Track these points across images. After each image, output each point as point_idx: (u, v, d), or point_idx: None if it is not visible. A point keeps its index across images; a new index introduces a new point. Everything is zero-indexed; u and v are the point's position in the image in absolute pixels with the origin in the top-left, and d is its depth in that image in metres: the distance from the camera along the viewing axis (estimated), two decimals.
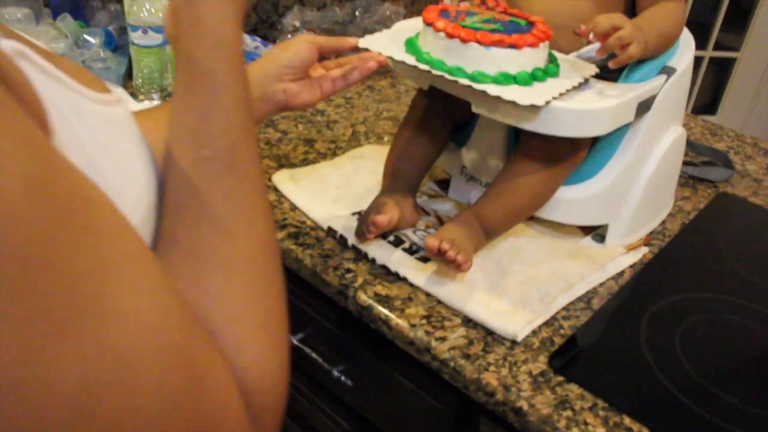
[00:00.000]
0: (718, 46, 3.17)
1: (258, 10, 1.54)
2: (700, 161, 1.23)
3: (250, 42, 1.36)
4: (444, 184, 1.02)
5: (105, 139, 0.41)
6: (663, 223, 1.03)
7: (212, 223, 0.44)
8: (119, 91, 1.15)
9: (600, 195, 0.90)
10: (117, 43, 1.33)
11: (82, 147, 0.38)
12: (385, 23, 1.41)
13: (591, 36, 0.79)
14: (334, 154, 1.10)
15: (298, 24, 1.38)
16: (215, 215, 0.44)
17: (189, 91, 0.47)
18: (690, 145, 1.26)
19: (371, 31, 1.39)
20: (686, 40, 0.96)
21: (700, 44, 3.13)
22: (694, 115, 1.47)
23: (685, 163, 1.18)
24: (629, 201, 0.93)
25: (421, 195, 0.99)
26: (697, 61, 3.16)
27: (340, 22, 1.41)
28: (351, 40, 0.81)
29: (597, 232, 0.95)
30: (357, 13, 1.43)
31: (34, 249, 0.28)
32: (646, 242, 0.97)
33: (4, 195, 0.27)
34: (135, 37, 1.14)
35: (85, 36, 1.27)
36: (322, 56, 0.83)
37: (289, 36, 1.37)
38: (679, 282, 0.92)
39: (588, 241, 0.94)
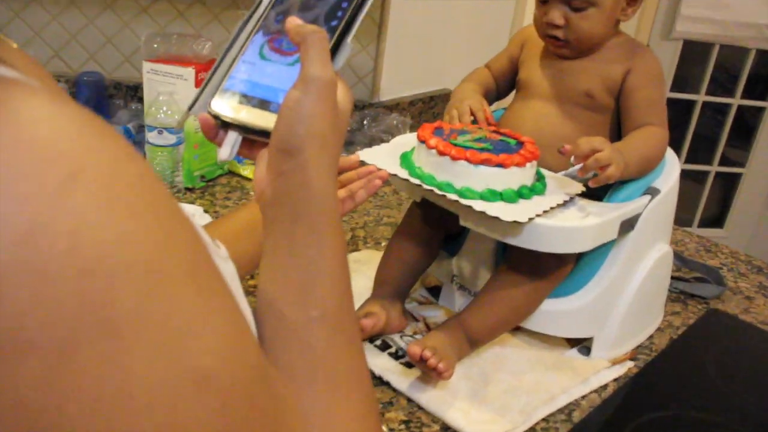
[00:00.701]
0: (724, 160, 3.23)
1: None
2: (692, 277, 1.26)
3: None
4: (435, 291, 1.05)
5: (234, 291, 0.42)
6: (651, 337, 1.05)
7: (326, 381, 0.45)
8: None
9: (585, 308, 0.93)
10: (135, 139, 1.40)
11: None
12: (392, 132, 1.47)
13: (572, 158, 0.84)
14: None
15: None
16: (328, 374, 0.46)
17: (294, 253, 0.48)
18: (682, 260, 1.29)
19: (378, 140, 1.46)
20: (671, 161, 1.01)
21: (706, 158, 3.20)
22: (687, 230, 1.51)
23: (676, 279, 1.21)
24: (615, 315, 0.95)
25: (411, 301, 1.02)
26: (704, 175, 3.22)
27: (349, 130, 1.48)
28: (351, 158, 0.85)
29: (583, 345, 0.97)
30: (365, 122, 1.50)
31: None
32: (632, 356, 0.99)
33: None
34: (150, 136, 1.21)
35: None
36: None
37: None
38: (663, 398, 0.93)
39: (573, 353, 0.96)
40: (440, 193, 0.83)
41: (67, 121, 0.28)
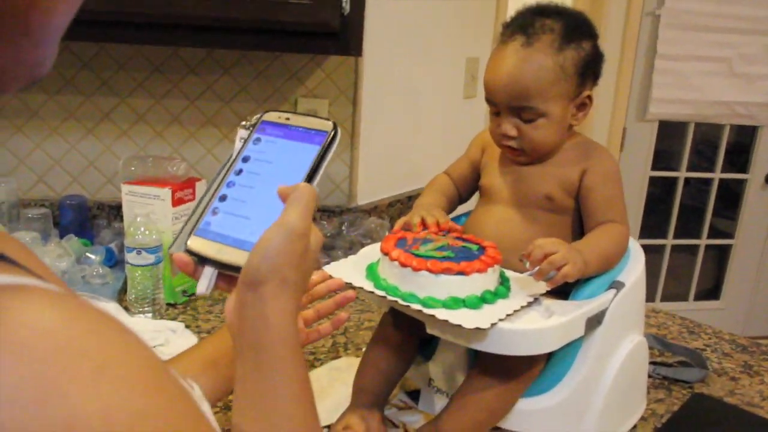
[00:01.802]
0: (714, 232, 3.26)
1: None
2: (675, 361, 1.26)
3: None
4: (415, 395, 1.06)
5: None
6: (634, 428, 1.05)
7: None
8: (112, 306, 1.22)
9: (561, 405, 0.93)
10: (117, 259, 1.43)
11: None
12: (371, 236, 1.51)
13: (527, 264, 0.86)
14: (312, 366, 1.15)
15: None
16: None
17: (258, 376, 0.55)
18: (664, 344, 1.30)
19: (358, 244, 1.49)
20: (636, 254, 1.03)
21: (697, 231, 3.23)
22: (670, 313, 1.51)
23: (658, 364, 1.22)
24: (592, 410, 0.96)
25: (391, 407, 1.02)
26: (695, 248, 3.25)
27: (328, 235, 1.51)
28: (313, 278, 0.86)
29: None
30: (343, 227, 1.54)
31: None
32: None
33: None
34: (130, 257, 1.24)
35: (87, 254, 1.38)
36: None
37: None
38: None
39: None
40: (404, 303, 0.85)
41: (86, 321, 0.35)
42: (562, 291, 0.95)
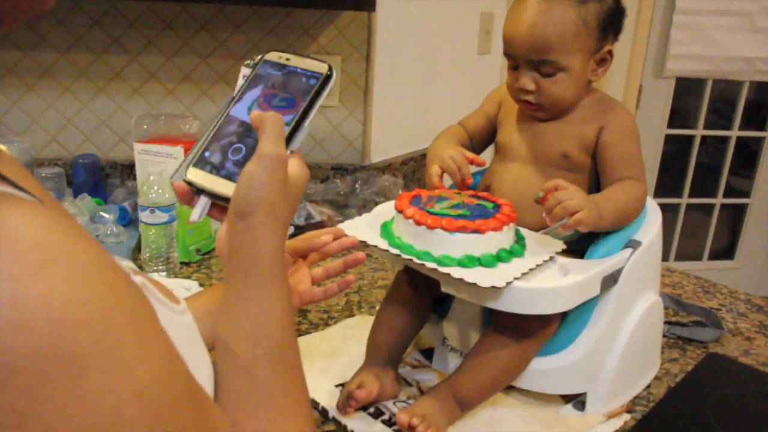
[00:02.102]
0: (730, 191, 3.23)
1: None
2: (690, 321, 1.26)
3: None
4: (429, 353, 1.06)
5: (185, 342, 0.52)
6: (648, 387, 1.05)
7: (269, 409, 0.55)
8: (125, 264, 1.22)
9: (575, 365, 0.93)
10: (131, 218, 1.43)
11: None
12: (385, 194, 1.50)
13: (543, 213, 0.85)
14: (327, 325, 1.15)
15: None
16: (271, 403, 0.56)
17: (244, 298, 0.58)
18: (679, 304, 1.29)
19: (371, 202, 1.48)
20: (652, 212, 1.02)
21: (712, 190, 3.20)
22: (685, 272, 1.51)
23: (673, 324, 1.21)
24: (607, 369, 0.96)
25: (405, 365, 1.03)
26: (710, 207, 3.22)
27: (341, 193, 1.50)
28: (323, 238, 0.86)
29: (577, 400, 0.97)
30: (357, 186, 1.53)
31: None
32: (629, 409, 0.99)
33: (176, 402, 0.41)
34: (143, 216, 1.23)
35: (101, 213, 1.38)
36: (301, 254, 0.89)
37: None
38: None
39: (568, 409, 0.96)
40: (419, 262, 0.84)
41: (41, 225, 0.37)
42: (578, 250, 0.95)
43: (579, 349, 0.93)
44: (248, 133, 0.66)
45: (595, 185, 0.99)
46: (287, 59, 0.68)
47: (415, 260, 0.85)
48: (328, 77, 0.66)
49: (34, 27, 1.54)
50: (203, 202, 0.65)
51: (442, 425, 0.84)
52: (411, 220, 0.86)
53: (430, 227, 0.85)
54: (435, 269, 0.83)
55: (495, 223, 0.86)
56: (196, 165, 0.66)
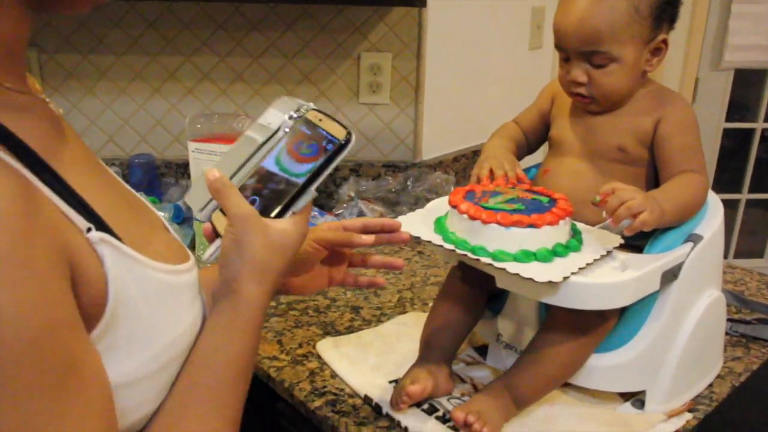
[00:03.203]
0: (757, 186, 3.12)
1: None
2: (754, 318, 1.22)
3: None
4: (483, 350, 1.05)
5: (157, 299, 0.58)
6: (710, 386, 1.02)
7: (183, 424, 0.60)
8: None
9: (634, 362, 0.91)
10: (185, 216, 1.45)
11: (134, 304, 0.55)
12: (437, 191, 1.49)
13: (603, 213, 0.83)
14: (379, 321, 1.15)
15: (353, 194, 1.48)
16: (186, 428, 0.60)
17: (209, 328, 0.64)
18: (742, 301, 1.25)
19: (423, 199, 1.48)
20: (714, 206, 0.99)
21: (735, 187, 3.10)
22: (747, 269, 1.46)
23: (736, 321, 1.18)
24: (667, 366, 0.93)
25: (459, 362, 1.02)
26: (733, 204, 3.12)
27: (393, 191, 1.50)
28: (364, 239, 0.85)
29: (636, 398, 0.95)
30: (408, 183, 1.52)
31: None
32: (690, 408, 0.96)
33: (12, 343, 0.43)
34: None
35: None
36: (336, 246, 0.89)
37: (345, 206, 1.46)
38: None
39: (627, 407, 0.94)
40: (474, 257, 0.83)
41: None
42: (636, 245, 0.92)
43: (638, 345, 0.91)
44: (268, 186, 0.68)
45: (653, 179, 0.96)
46: (320, 120, 0.70)
47: (470, 255, 0.84)
48: (342, 145, 0.67)
49: (92, 30, 1.58)
50: (218, 243, 0.68)
51: (498, 422, 0.83)
52: (465, 215, 0.85)
53: (485, 222, 0.84)
54: (490, 264, 0.82)
55: (551, 217, 0.85)
56: (222, 210, 0.68)
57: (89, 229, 0.52)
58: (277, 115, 0.71)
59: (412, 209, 1.09)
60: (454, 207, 0.88)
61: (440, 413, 0.91)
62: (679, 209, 0.90)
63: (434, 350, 0.96)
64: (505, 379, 0.89)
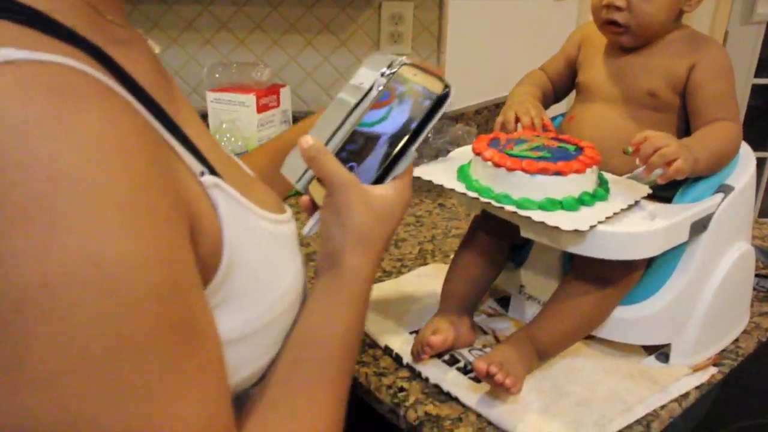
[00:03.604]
0: None
1: None
2: None
3: None
4: (505, 302, 1.03)
5: (266, 249, 0.55)
6: (736, 341, 1.00)
7: (287, 410, 0.55)
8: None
9: (660, 314, 0.89)
10: None
11: (246, 254, 0.52)
12: (458, 143, 1.46)
13: (637, 160, 0.81)
14: (400, 273, 1.13)
15: None
16: (292, 406, 0.55)
17: (311, 306, 0.60)
18: None
19: (444, 151, 1.45)
20: (746, 156, 0.96)
21: (763, 145, 3.04)
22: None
23: (764, 277, 1.15)
24: (693, 320, 0.91)
25: (480, 313, 1.01)
26: (760, 162, 3.05)
27: None
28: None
29: (661, 351, 0.93)
30: (430, 135, 1.49)
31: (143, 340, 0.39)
32: (715, 362, 0.94)
33: (136, 293, 0.38)
34: None
35: None
36: None
37: None
38: (751, 406, 0.88)
39: (651, 360, 0.93)
40: (498, 205, 0.81)
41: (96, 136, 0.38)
42: (665, 196, 0.90)
43: (664, 298, 0.89)
44: (365, 150, 0.63)
45: (683, 127, 0.93)
46: (415, 74, 0.65)
47: (494, 203, 0.82)
48: (441, 99, 0.62)
49: None
50: (317, 216, 0.64)
51: (521, 373, 0.82)
52: (490, 163, 0.83)
53: (510, 169, 0.82)
54: (515, 212, 0.80)
55: (577, 165, 0.82)
56: (319, 179, 0.64)
57: (202, 173, 0.49)
58: (369, 73, 0.67)
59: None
60: (478, 154, 0.85)
61: (461, 364, 0.90)
62: (713, 158, 0.87)
63: (455, 301, 0.95)
64: (528, 330, 0.87)
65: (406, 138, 0.62)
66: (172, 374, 0.41)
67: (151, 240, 0.40)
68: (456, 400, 0.85)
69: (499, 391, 0.81)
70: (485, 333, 0.97)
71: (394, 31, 1.62)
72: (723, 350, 0.97)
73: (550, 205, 0.80)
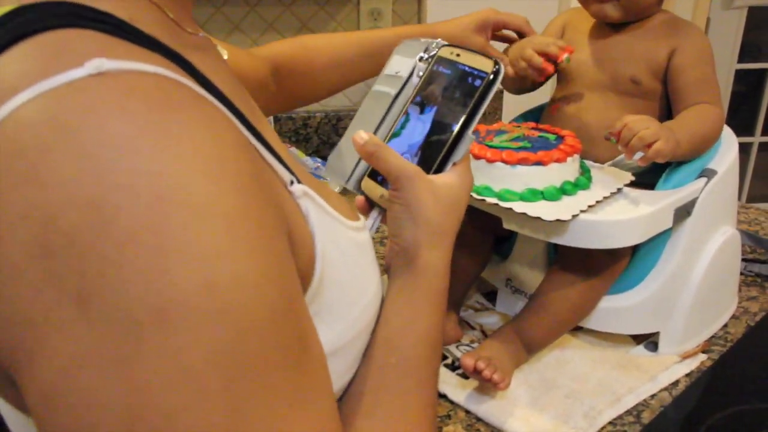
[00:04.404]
0: None
1: (319, 132, 1.62)
2: None
3: (311, 163, 1.43)
4: (492, 296, 1.02)
5: (352, 259, 0.53)
6: (725, 326, 0.99)
7: (385, 416, 0.53)
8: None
9: (647, 303, 0.89)
10: None
11: (336, 266, 0.50)
12: None
13: (615, 143, 0.80)
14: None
15: None
16: (389, 411, 0.53)
17: (391, 307, 0.57)
18: (757, 240, 1.22)
19: None
20: (728, 139, 0.95)
21: (748, 130, 3.04)
22: (762, 207, 1.43)
23: (751, 261, 1.15)
24: (680, 307, 0.91)
25: (467, 309, 1.00)
26: (746, 147, 3.06)
27: None
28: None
29: (649, 341, 0.93)
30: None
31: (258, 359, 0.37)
32: (705, 348, 0.94)
33: (252, 314, 0.36)
34: None
35: None
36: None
37: None
38: (741, 391, 0.88)
39: (640, 350, 0.92)
40: (479, 197, 0.81)
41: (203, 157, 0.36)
42: (648, 183, 0.89)
43: (651, 285, 0.89)
44: (418, 139, 0.61)
45: (666, 113, 0.93)
46: (457, 55, 0.62)
47: (475, 196, 0.81)
48: (493, 77, 0.58)
49: None
50: (375, 214, 0.62)
51: (509, 368, 0.81)
52: (469, 154, 0.82)
53: (490, 160, 0.81)
54: (496, 204, 0.80)
55: (558, 154, 0.82)
56: (370, 175, 0.62)
57: (291, 182, 0.47)
58: (404, 61, 0.65)
59: None
60: None
61: (449, 361, 0.89)
62: (695, 140, 0.86)
63: None
64: (515, 324, 0.86)
65: (461, 121, 0.59)
66: (291, 394, 0.39)
67: (261, 257, 0.38)
68: (444, 397, 0.84)
69: (487, 386, 0.80)
70: (472, 328, 0.96)
71: (373, 27, 1.61)
72: (712, 336, 0.96)
73: (532, 195, 0.80)
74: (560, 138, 0.86)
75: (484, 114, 0.59)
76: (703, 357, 0.92)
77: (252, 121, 0.47)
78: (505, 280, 0.98)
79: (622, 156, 0.90)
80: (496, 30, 1.01)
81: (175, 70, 0.40)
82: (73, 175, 0.33)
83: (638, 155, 0.80)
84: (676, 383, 0.87)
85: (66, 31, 0.38)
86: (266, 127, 0.54)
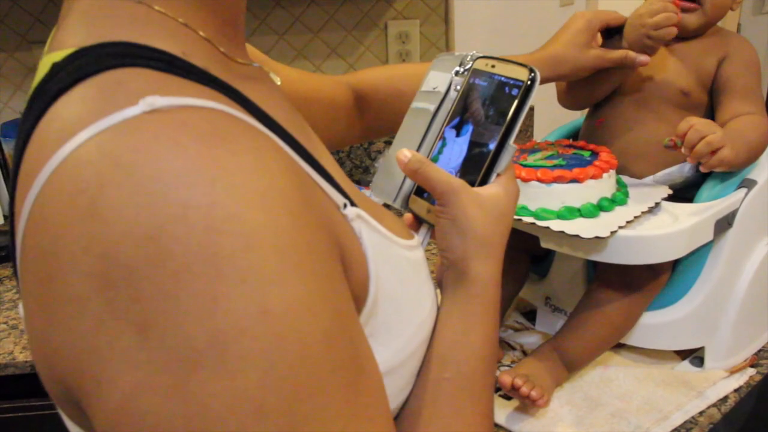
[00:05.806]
0: None
1: (351, 156, 1.62)
2: None
3: None
4: (532, 315, 1.01)
5: (406, 278, 0.53)
6: None
7: (440, 431, 0.53)
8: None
9: (691, 317, 0.87)
10: None
11: (390, 285, 0.50)
12: None
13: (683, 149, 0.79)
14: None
15: None
16: (445, 425, 0.53)
17: (446, 322, 0.57)
18: None
19: None
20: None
21: None
22: None
23: None
24: (725, 320, 0.89)
25: (506, 329, 0.99)
26: None
27: None
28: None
29: (695, 356, 0.91)
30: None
31: (311, 386, 0.37)
32: (752, 363, 0.92)
33: (306, 338, 0.37)
34: None
35: None
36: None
37: None
38: None
39: (685, 365, 0.90)
40: (515, 217, 0.80)
41: (260, 191, 0.37)
42: (685, 196, 0.88)
43: (694, 299, 0.87)
44: (460, 153, 0.61)
45: None
46: (492, 66, 0.62)
47: None
48: (530, 85, 0.58)
49: None
50: (424, 230, 0.63)
51: (549, 386, 0.80)
52: None
53: (525, 180, 0.80)
54: (533, 224, 0.79)
55: (594, 170, 0.81)
56: (416, 193, 0.63)
57: (345, 205, 0.48)
58: (441, 76, 0.65)
59: None
60: None
61: None
62: (749, 152, 0.85)
63: None
64: (554, 342, 0.85)
65: (501, 131, 0.58)
66: (348, 415, 0.39)
67: (314, 282, 0.39)
68: None
69: (526, 404, 0.79)
70: (513, 348, 0.95)
71: (401, 50, 1.62)
72: (760, 350, 0.94)
73: (569, 213, 0.79)
74: (595, 154, 0.86)
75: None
76: (751, 371, 0.90)
77: (306, 145, 0.48)
78: (544, 299, 0.97)
79: (661, 173, 0.89)
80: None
81: (226, 102, 0.41)
82: (129, 210, 0.34)
83: (685, 168, 0.78)
84: (725, 399, 0.85)
85: (122, 70, 0.39)
86: (321, 151, 0.55)
